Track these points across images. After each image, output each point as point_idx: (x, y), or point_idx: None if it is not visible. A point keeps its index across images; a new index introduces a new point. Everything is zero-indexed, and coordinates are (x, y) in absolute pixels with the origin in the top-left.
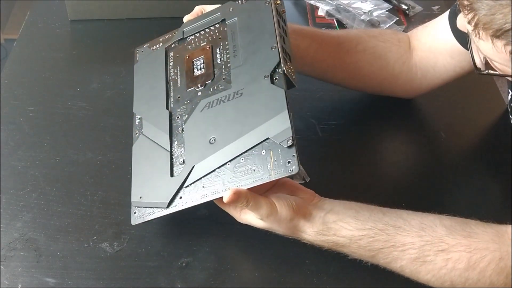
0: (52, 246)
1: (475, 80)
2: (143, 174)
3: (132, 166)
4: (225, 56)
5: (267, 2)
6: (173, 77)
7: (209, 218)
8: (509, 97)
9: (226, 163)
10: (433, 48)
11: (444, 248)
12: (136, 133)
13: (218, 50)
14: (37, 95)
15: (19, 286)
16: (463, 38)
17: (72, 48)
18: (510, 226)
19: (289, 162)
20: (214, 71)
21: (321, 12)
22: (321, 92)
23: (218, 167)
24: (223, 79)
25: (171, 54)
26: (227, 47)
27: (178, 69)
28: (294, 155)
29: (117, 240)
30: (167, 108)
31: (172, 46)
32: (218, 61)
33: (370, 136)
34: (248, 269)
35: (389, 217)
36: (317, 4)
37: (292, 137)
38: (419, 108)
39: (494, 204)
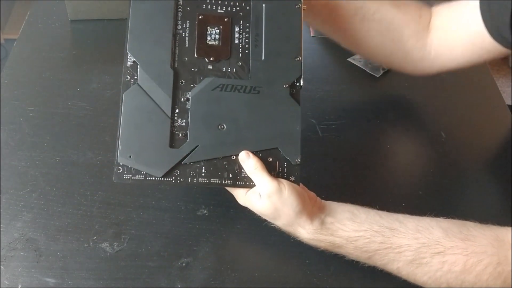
0: (52, 246)
1: (475, 80)
2: (134, 132)
3: (122, 117)
4: (244, 39)
5: (297, 5)
6: (180, 32)
7: (209, 218)
8: None
9: (231, 156)
10: (455, 30)
11: (440, 251)
12: (128, 78)
13: (237, 29)
14: (37, 95)
15: (19, 286)
16: (496, 30)
17: (72, 48)
18: (510, 229)
19: (291, 177)
20: (231, 50)
21: None
22: (321, 92)
23: (223, 157)
24: (239, 65)
25: (181, 2)
26: (247, 29)
27: (188, 26)
28: (297, 173)
29: (117, 240)
30: (172, 67)
31: None
32: (236, 41)
33: (370, 136)
34: (248, 269)
35: (385, 220)
36: None
37: (300, 156)
38: (419, 108)
39: (494, 204)
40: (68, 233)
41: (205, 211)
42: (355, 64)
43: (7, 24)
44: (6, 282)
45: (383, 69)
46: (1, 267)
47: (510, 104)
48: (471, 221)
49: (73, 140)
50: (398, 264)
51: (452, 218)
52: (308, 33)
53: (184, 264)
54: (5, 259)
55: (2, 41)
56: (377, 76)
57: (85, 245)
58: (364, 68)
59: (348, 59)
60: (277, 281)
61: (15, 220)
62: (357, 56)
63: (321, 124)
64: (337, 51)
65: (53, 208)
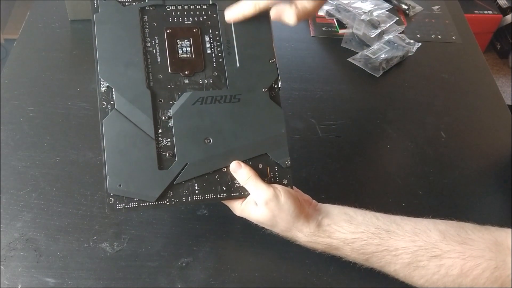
0: (52, 246)
1: (475, 80)
2: (120, 159)
3: (105, 145)
4: (215, 48)
5: None
6: (150, 49)
7: (209, 218)
8: None
9: (221, 168)
10: None
11: (437, 254)
12: (104, 105)
13: (207, 38)
14: (37, 95)
15: (19, 286)
16: None
17: (72, 48)
18: (509, 231)
19: (284, 180)
20: (204, 61)
21: (321, 12)
22: (321, 92)
23: (214, 171)
24: (215, 75)
25: (146, 18)
26: (217, 38)
27: (157, 42)
28: (289, 176)
29: (117, 240)
30: (148, 86)
31: (147, 9)
32: (208, 51)
33: (370, 136)
34: (248, 269)
35: (382, 222)
36: None
37: (289, 159)
38: (419, 108)
39: (494, 204)
40: (68, 233)
41: (205, 211)
42: (355, 64)
43: (7, 24)
44: (6, 282)
45: (383, 69)
46: (1, 267)
47: (510, 104)
48: (470, 222)
49: (73, 140)
50: (395, 266)
51: (452, 218)
52: (308, 33)
53: (184, 264)
54: (5, 259)
55: (2, 41)
56: (377, 76)
57: (85, 245)
58: (364, 68)
59: (348, 59)
60: (277, 281)
61: (15, 220)
62: (357, 56)
63: (321, 124)
64: (337, 51)
65: (53, 208)
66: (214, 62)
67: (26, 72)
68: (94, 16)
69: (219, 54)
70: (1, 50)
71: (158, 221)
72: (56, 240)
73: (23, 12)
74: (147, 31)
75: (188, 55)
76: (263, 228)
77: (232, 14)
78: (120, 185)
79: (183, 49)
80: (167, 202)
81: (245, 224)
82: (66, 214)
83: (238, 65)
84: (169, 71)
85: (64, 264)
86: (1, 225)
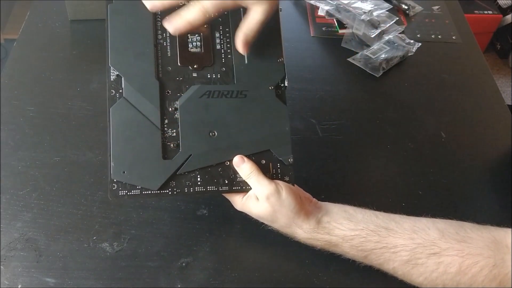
0: (52, 246)
1: (475, 80)
2: (126, 146)
3: (111, 132)
4: (225, 44)
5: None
6: (161, 41)
7: (209, 218)
8: None
9: (225, 162)
10: None
11: (436, 252)
12: (113, 93)
13: (217, 34)
14: (37, 95)
15: (19, 286)
16: None
17: (72, 48)
18: (509, 230)
19: (286, 177)
20: (213, 56)
21: (321, 12)
22: (321, 92)
23: (217, 164)
24: (223, 70)
25: (159, 12)
26: (227, 35)
27: (168, 35)
28: (291, 173)
29: (117, 240)
30: (157, 77)
31: None
32: (218, 46)
33: (370, 136)
34: (248, 269)
35: (382, 220)
36: (317, 4)
37: (292, 156)
38: (420, 108)
39: (494, 204)
40: (68, 233)
41: (205, 211)
42: (355, 64)
43: (7, 24)
44: (6, 282)
45: (383, 69)
46: (1, 267)
47: (510, 104)
48: (469, 221)
49: (73, 140)
50: (394, 264)
51: (452, 218)
52: (308, 33)
53: (184, 264)
54: (5, 259)
55: (2, 41)
56: (377, 76)
57: (85, 245)
58: (364, 68)
59: (348, 59)
60: (277, 281)
61: (15, 220)
62: (357, 56)
63: (321, 124)
64: (337, 51)
65: (53, 208)
66: (223, 58)
67: (26, 72)
68: (108, 6)
69: (228, 51)
70: (1, 50)
71: (158, 221)
72: (56, 240)
73: (23, 12)
74: (159, 24)
75: (198, 50)
76: (263, 228)
77: (177, 25)
78: (123, 172)
79: (193, 43)
80: (169, 192)
81: (245, 224)
82: (66, 214)
83: (246, 62)
84: (178, 64)
85: (64, 264)
86: (1, 225)
